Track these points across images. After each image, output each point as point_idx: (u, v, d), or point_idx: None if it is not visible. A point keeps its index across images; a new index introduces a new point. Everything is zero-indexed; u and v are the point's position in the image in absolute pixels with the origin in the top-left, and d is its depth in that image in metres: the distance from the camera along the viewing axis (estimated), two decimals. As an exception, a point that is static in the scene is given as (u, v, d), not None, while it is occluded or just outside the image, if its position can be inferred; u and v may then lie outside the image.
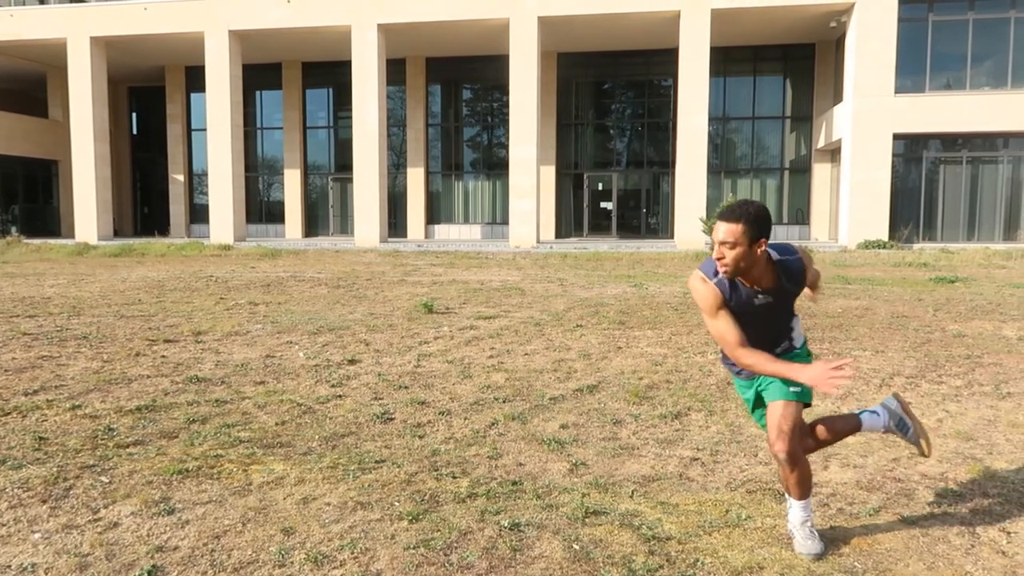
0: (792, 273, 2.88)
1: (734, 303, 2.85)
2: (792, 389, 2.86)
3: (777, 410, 2.85)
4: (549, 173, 24.97)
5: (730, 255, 2.74)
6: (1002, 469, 3.76)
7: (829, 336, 7.34)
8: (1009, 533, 3.04)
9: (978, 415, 4.71)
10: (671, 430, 4.41)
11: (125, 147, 30.09)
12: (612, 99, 26.13)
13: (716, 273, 2.84)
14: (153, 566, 2.73)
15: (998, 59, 20.11)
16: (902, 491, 3.48)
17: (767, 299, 2.87)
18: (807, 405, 2.97)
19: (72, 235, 25.31)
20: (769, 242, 2.82)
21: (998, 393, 5.22)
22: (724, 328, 2.85)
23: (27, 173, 27.51)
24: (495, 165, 26.19)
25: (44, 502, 3.31)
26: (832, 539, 2.97)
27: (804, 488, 2.88)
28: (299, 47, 24.68)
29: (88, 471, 3.68)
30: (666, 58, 23.62)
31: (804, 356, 3.06)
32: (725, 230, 2.73)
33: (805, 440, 3.04)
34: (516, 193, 21.57)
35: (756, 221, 2.73)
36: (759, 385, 3.01)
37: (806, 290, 3.11)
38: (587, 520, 3.13)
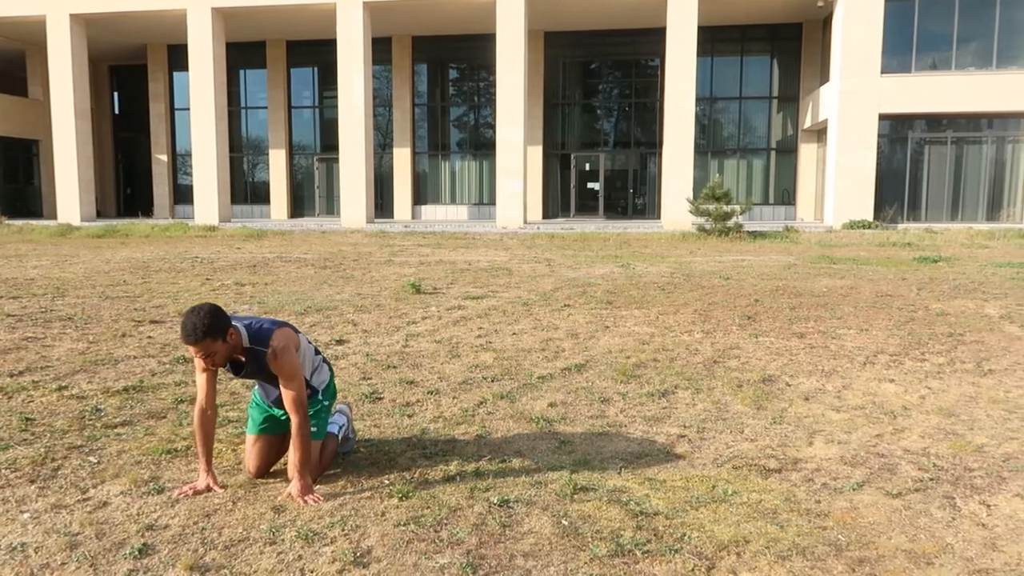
0: (260, 359, 3.15)
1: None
2: (312, 429, 3.25)
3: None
4: (536, 153, 24.89)
5: (216, 359, 3.05)
6: (983, 444, 3.82)
7: (815, 315, 7.40)
8: (989, 506, 3.10)
9: (960, 392, 4.78)
10: (658, 408, 4.45)
11: (107, 127, 29.68)
12: (599, 79, 26.01)
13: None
14: (144, 544, 2.74)
15: (983, 40, 20.16)
16: (885, 466, 3.53)
17: (240, 371, 3.22)
18: (328, 435, 3.46)
19: (54, 216, 25.01)
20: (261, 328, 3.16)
21: (979, 370, 5.30)
22: (199, 387, 3.23)
23: (7, 153, 27.07)
24: (482, 145, 26.06)
25: (32, 482, 3.30)
26: (817, 513, 3.02)
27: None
28: (283, 25, 24.36)
29: (76, 451, 3.68)
30: (653, 38, 23.52)
31: (328, 398, 3.47)
32: (198, 350, 2.99)
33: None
34: (503, 174, 21.48)
35: (212, 329, 2.96)
36: (278, 415, 3.39)
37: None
38: (575, 496, 3.16)
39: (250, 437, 3.36)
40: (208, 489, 3.16)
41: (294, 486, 3.10)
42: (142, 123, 28.23)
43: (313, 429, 3.28)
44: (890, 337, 6.39)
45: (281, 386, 3.15)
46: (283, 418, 3.39)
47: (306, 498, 3.07)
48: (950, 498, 3.17)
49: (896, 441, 3.87)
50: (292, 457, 3.16)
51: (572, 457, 3.63)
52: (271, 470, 3.41)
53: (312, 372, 3.40)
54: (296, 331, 3.31)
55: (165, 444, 3.75)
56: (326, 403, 3.44)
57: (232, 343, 3.06)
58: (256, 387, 3.48)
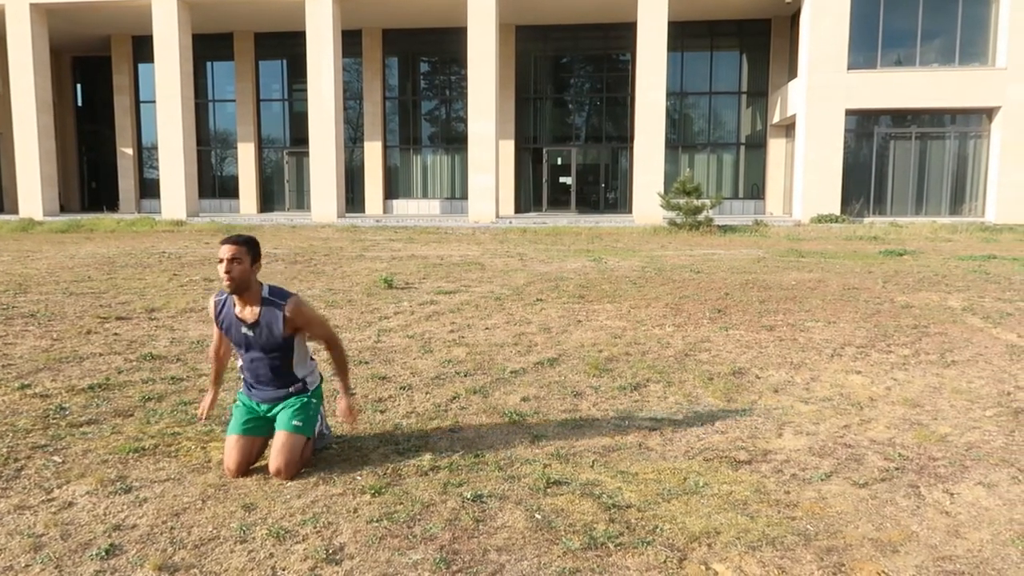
0: (274, 315, 3.31)
1: (224, 322, 3.40)
2: (295, 423, 3.32)
3: (280, 440, 3.30)
4: (508, 147, 24.86)
5: (236, 269, 3.22)
6: (946, 434, 3.90)
7: (784, 308, 7.49)
8: (952, 494, 3.17)
9: (924, 383, 4.87)
10: (630, 401, 4.47)
11: (70, 119, 29.06)
12: (571, 73, 26.04)
13: (223, 293, 3.41)
14: (111, 545, 2.69)
15: (947, 37, 20.53)
16: (852, 456, 3.59)
17: (250, 332, 3.34)
18: (309, 438, 3.43)
19: (16, 211, 24.46)
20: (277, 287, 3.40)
21: (943, 361, 5.41)
22: (214, 334, 3.59)
23: (-34, 146, 26.45)
24: (454, 139, 25.97)
25: (-6, 483, 3.23)
26: (786, 504, 3.06)
27: None
28: (251, 16, 24.03)
29: (40, 451, 3.60)
30: (624, 32, 23.60)
31: (317, 398, 3.52)
32: (232, 251, 3.22)
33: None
34: (475, 168, 21.43)
35: (252, 244, 3.29)
36: (264, 412, 3.45)
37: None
38: (549, 490, 3.17)
39: (231, 437, 3.33)
40: (212, 400, 3.60)
41: (343, 405, 3.48)
42: (107, 116, 27.68)
43: (298, 424, 3.34)
44: (857, 329, 6.49)
45: (312, 334, 3.47)
46: (269, 415, 3.42)
47: (354, 417, 3.49)
48: (915, 487, 3.24)
49: (863, 432, 3.94)
50: (340, 381, 3.53)
51: (545, 451, 3.64)
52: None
53: (307, 372, 3.51)
54: None
55: (132, 443, 3.69)
56: (315, 401, 3.47)
57: (254, 273, 3.30)
58: (241, 379, 3.51)
